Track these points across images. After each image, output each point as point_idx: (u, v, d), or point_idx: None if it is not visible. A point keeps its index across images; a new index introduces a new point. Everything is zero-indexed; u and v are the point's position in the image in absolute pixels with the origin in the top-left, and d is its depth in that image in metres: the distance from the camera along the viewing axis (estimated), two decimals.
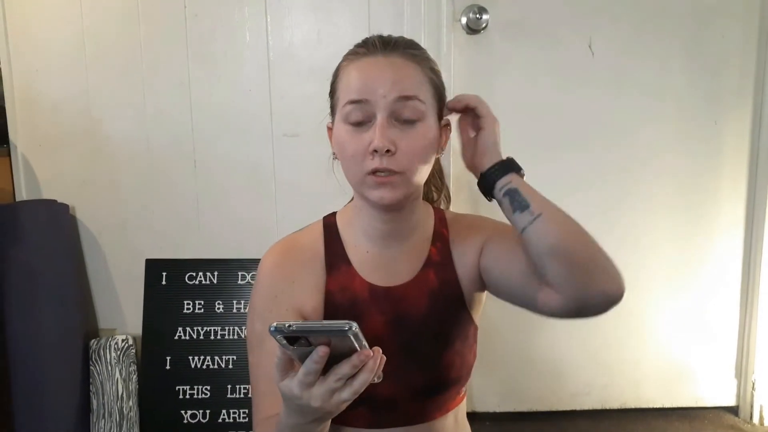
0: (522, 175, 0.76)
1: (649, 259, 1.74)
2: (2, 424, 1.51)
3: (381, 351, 0.59)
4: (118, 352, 1.63)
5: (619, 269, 0.71)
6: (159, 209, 1.68)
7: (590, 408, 1.83)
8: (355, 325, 0.53)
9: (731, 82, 1.70)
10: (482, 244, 0.83)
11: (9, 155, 1.65)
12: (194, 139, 1.65)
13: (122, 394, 1.61)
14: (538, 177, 0.77)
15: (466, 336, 0.85)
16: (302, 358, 0.57)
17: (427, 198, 0.91)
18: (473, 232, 0.85)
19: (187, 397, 1.58)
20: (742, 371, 1.81)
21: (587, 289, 0.70)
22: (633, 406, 1.84)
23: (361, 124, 0.74)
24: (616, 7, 1.65)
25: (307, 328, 0.54)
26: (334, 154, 0.82)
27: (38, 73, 1.62)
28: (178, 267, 1.64)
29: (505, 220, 0.80)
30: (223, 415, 1.58)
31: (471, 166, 0.81)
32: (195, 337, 1.61)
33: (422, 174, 0.77)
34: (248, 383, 1.58)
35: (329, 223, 0.86)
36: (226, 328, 1.61)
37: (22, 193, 1.66)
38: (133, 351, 1.64)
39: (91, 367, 1.62)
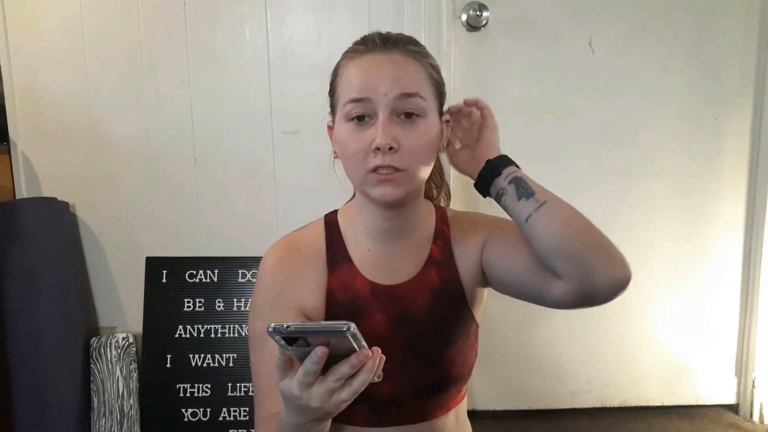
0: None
1: (650, 258, 1.75)
2: (3, 423, 1.51)
3: (380, 351, 0.59)
4: (119, 350, 1.63)
5: (624, 255, 0.71)
6: (159, 207, 1.68)
7: (591, 406, 1.83)
8: (353, 326, 0.53)
9: (731, 82, 1.70)
10: (484, 240, 0.83)
11: (9, 153, 1.65)
12: (194, 136, 1.65)
13: (123, 392, 1.61)
14: (537, 175, 0.77)
15: (468, 334, 0.85)
16: (301, 359, 0.57)
17: (427, 195, 0.92)
18: (475, 229, 0.85)
19: (188, 395, 1.59)
20: (742, 369, 1.82)
21: (595, 274, 0.70)
22: (633, 404, 1.84)
23: (362, 123, 0.74)
24: (616, 5, 1.64)
25: (305, 328, 0.54)
26: (334, 152, 0.82)
27: (38, 70, 1.62)
28: (178, 265, 1.64)
29: (505, 217, 0.81)
30: (224, 413, 1.58)
31: (469, 161, 0.82)
32: (195, 335, 1.61)
33: (425, 171, 0.77)
34: (249, 381, 1.58)
35: (331, 221, 0.86)
36: (227, 326, 1.61)
37: (23, 191, 1.66)
38: (134, 349, 1.65)
39: (92, 365, 1.62)
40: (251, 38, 1.61)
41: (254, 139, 1.65)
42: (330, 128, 0.82)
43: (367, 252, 0.83)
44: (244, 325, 1.62)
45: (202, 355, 1.60)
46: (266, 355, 0.75)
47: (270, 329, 0.54)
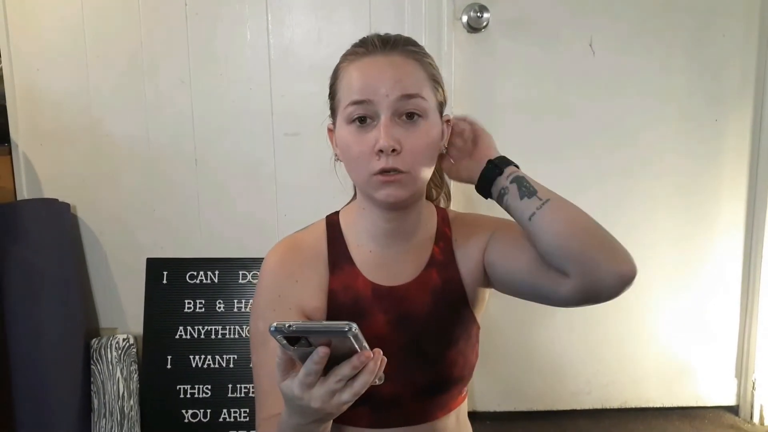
0: None
1: (650, 259, 1.75)
2: (4, 424, 1.51)
3: (382, 353, 0.59)
4: (119, 352, 1.63)
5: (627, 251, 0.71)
6: (160, 208, 1.68)
7: (591, 407, 1.83)
8: (354, 326, 0.53)
9: (731, 82, 1.70)
10: (486, 240, 0.83)
11: (10, 154, 1.65)
12: (195, 137, 1.65)
13: (123, 393, 1.61)
14: (537, 176, 0.77)
15: (469, 335, 0.85)
16: (303, 359, 0.57)
17: (427, 196, 0.92)
18: (476, 230, 0.85)
19: (188, 396, 1.59)
20: (742, 371, 1.82)
21: (600, 270, 0.70)
22: (633, 406, 1.84)
23: (364, 125, 0.74)
24: (616, 5, 1.65)
25: (307, 328, 0.54)
26: (335, 154, 0.82)
27: (39, 71, 1.62)
28: (179, 266, 1.64)
29: (506, 218, 0.81)
30: (224, 414, 1.58)
31: (468, 166, 0.82)
32: (196, 336, 1.61)
33: (427, 171, 0.78)
34: (249, 382, 1.58)
35: (332, 222, 0.86)
36: (227, 327, 1.61)
37: (23, 192, 1.65)
38: (134, 350, 1.65)
39: (92, 367, 1.62)
40: (252, 39, 1.61)
41: (255, 140, 1.65)
42: (330, 131, 0.82)
43: (368, 253, 0.83)
44: (244, 326, 1.62)
45: (203, 356, 1.60)
46: (267, 355, 0.75)
47: (272, 328, 0.54)
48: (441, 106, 0.80)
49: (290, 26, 1.61)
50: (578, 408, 1.83)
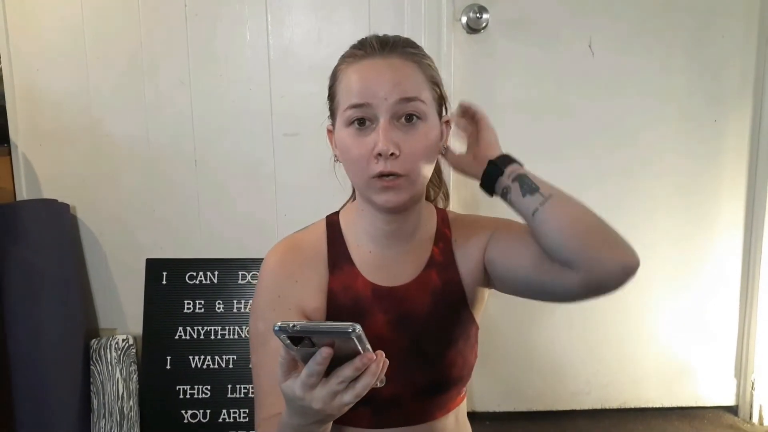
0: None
1: (650, 259, 1.72)
2: (3, 424, 1.51)
3: (384, 355, 0.59)
4: (119, 352, 1.63)
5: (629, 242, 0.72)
6: (160, 208, 1.68)
7: (590, 407, 1.83)
8: (358, 327, 0.53)
9: (731, 82, 1.70)
10: (486, 239, 0.83)
11: (10, 154, 1.65)
12: (195, 138, 1.65)
13: (123, 393, 1.61)
14: (538, 176, 0.77)
15: (468, 336, 0.85)
16: (305, 359, 0.57)
17: (426, 196, 0.92)
18: (476, 230, 0.85)
19: (188, 396, 1.58)
20: (741, 371, 1.82)
21: (604, 261, 0.70)
22: (633, 406, 1.84)
23: (363, 128, 0.74)
24: (616, 5, 1.65)
25: (311, 328, 0.54)
26: (335, 155, 0.82)
27: (39, 72, 1.62)
28: (178, 266, 1.64)
29: (507, 216, 0.81)
30: (224, 414, 1.58)
31: (473, 162, 0.82)
32: (195, 336, 1.61)
33: (426, 174, 0.78)
34: (249, 383, 1.58)
35: (332, 223, 0.86)
36: (227, 327, 1.61)
37: (23, 193, 1.65)
38: (134, 351, 1.64)
39: (92, 367, 1.62)
40: (252, 39, 1.61)
41: (254, 140, 1.65)
42: (330, 132, 0.82)
43: (368, 254, 0.83)
44: (244, 327, 1.62)
45: (202, 357, 1.60)
46: (268, 355, 0.75)
47: (276, 328, 0.54)
48: (440, 107, 0.80)
49: (290, 26, 1.61)
50: (578, 408, 1.83)
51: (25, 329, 1.51)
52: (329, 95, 0.81)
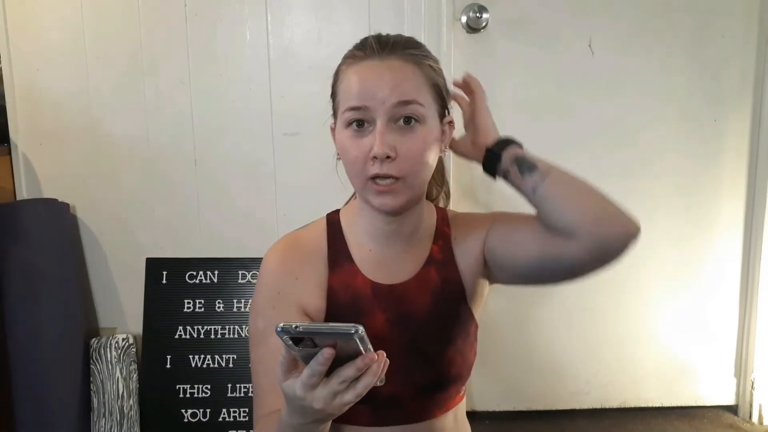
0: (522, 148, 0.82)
1: (650, 258, 1.75)
2: (3, 423, 1.51)
3: (385, 355, 0.59)
4: (119, 351, 1.63)
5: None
6: (160, 208, 1.68)
7: (590, 407, 1.83)
8: (361, 329, 0.53)
9: (731, 82, 1.70)
10: (485, 231, 0.84)
11: (9, 154, 1.65)
12: (195, 137, 1.65)
13: (123, 392, 1.61)
14: None
15: (468, 333, 0.85)
16: (307, 359, 0.57)
17: (427, 195, 0.92)
18: (475, 225, 0.86)
19: (188, 395, 1.59)
20: (741, 370, 1.82)
21: (607, 228, 0.72)
22: (633, 405, 1.84)
23: (361, 129, 0.75)
24: (616, 5, 1.65)
25: (314, 329, 0.54)
26: (337, 153, 0.82)
27: (39, 71, 1.62)
28: (178, 266, 1.64)
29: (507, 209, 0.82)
30: (224, 414, 1.58)
31: (472, 148, 0.84)
32: (195, 336, 1.61)
33: (424, 177, 0.78)
34: (248, 382, 1.58)
35: (333, 221, 0.87)
36: (227, 327, 1.62)
37: (23, 192, 1.66)
38: (134, 350, 1.65)
39: (92, 366, 1.62)
40: (251, 39, 1.61)
41: (254, 140, 1.65)
42: (333, 130, 0.82)
43: (368, 252, 0.83)
44: (244, 326, 1.62)
45: (202, 356, 1.60)
46: (267, 353, 0.76)
47: (278, 329, 0.54)
48: (442, 109, 0.80)
49: (290, 26, 1.61)
50: (578, 408, 1.83)
51: (25, 328, 1.51)
52: (331, 94, 0.81)
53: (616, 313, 1.78)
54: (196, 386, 1.59)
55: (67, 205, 1.64)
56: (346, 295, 0.82)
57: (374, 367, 0.57)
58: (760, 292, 1.74)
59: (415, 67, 0.76)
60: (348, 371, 0.57)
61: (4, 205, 1.55)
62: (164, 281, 1.63)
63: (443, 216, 0.89)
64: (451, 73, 1.62)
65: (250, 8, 1.60)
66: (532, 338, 1.80)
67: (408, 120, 0.74)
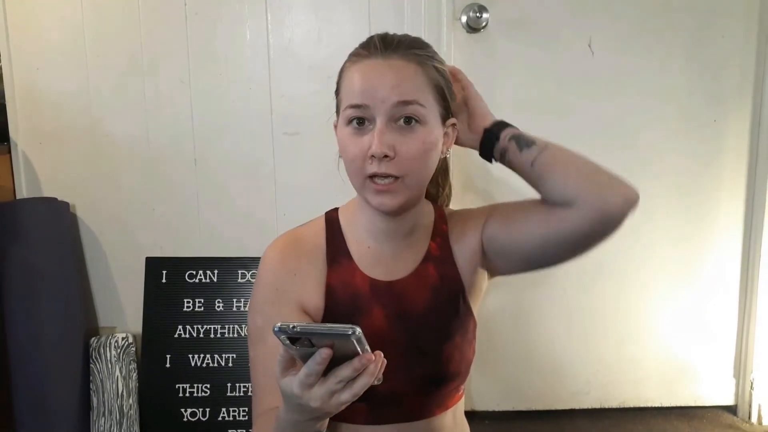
0: None
1: (649, 258, 1.75)
2: (3, 422, 1.52)
3: (382, 355, 0.59)
4: (118, 350, 1.63)
5: None
6: (159, 207, 1.68)
7: (589, 407, 1.84)
8: (358, 330, 0.54)
9: (731, 82, 1.70)
10: (482, 222, 0.85)
11: (9, 153, 1.65)
12: (195, 137, 1.65)
13: (122, 391, 1.61)
14: None
15: (466, 330, 0.85)
16: (304, 358, 0.57)
17: (429, 195, 0.92)
18: (471, 219, 0.87)
19: (187, 395, 1.59)
20: (740, 371, 1.82)
21: (606, 194, 0.74)
22: (632, 405, 1.84)
23: (362, 127, 0.75)
24: (616, 6, 1.65)
25: (311, 330, 0.55)
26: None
27: (39, 70, 1.62)
28: (178, 265, 1.64)
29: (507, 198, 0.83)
30: (223, 413, 1.58)
31: (468, 133, 0.86)
32: (195, 335, 1.61)
33: (423, 177, 0.78)
34: (248, 382, 1.58)
35: (331, 219, 0.87)
36: (226, 326, 1.62)
37: (23, 191, 1.66)
38: (133, 349, 1.65)
39: (92, 365, 1.62)
40: (251, 39, 1.61)
41: (254, 140, 1.65)
42: (336, 126, 0.82)
43: (367, 249, 0.84)
44: (243, 326, 1.62)
45: (202, 355, 1.60)
46: (265, 350, 0.76)
47: (276, 329, 0.54)
48: (445, 110, 0.80)
49: (290, 26, 1.61)
50: (577, 408, 1.83)
51: (25, 327, 1.51)
52: (335, 90, 0.81)
53: (615, 313, 1.79)
54: (195, 385, 1.59)
55: (67, 204, 1.64)
56: (345, 291, 0.82)
57: (371, 367, 0.57)
58: (760, 293, 1.74)
59: (418, 68, 0.75)
60: (345, 371, 0.57)
61: (3, 204, 1.56)
62: (164, 280, 1.63)
63: (441, 214, 0.89)
64: None
65: (250, 8, 1.60)
66: (531, 338, 1.80)
67: (408, 120, 0.74)
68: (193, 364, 1.60)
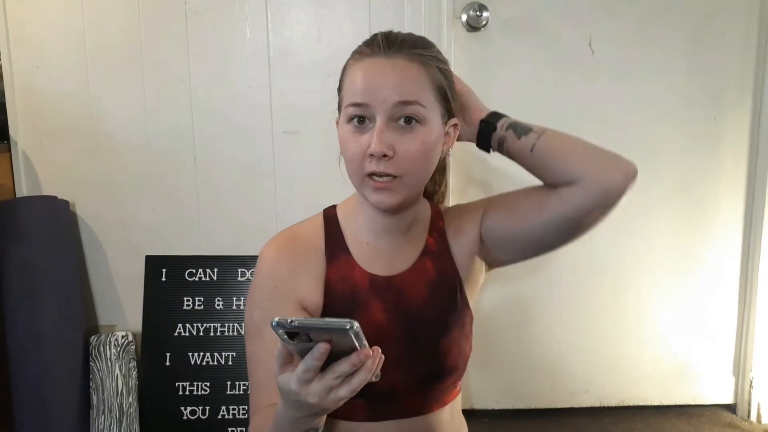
0: None
1: (649, 257, 1.75)
2: (3, 421, 1.52)
3: (380, 351, 0.59)
4: (118, 349, 1.63)
5: None
6: (159, 206, 1.68)
7: (589, 405, 1.84)
8: (356, 325, 0.54)
9: (731, 80, 1.70)
10: (480, 214, 0.86)
11: (9, 151, 1.65)
12: (194, 136, 1.65)
13: (122, 390, 1.61)
14: None
15: (463, 324, 0.86)
16: (302, 354, 0.57)
17: (426, 192, 0.92)
18: (468, 212, 0.88)
19: (187, 393, 1.59)
20: (740, 369, 1.82)
21: (607, 169, 0.77)
22: (631, 404, 1.84)
23: (362, 125, 0.75)
24: (616, 4, 1.65)
25: (309, 324, 0.55)
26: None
27: (39, 69, 1.62)
28: (178, 264, 1.64)
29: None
30: (223, 411, 1.59)
31: (464, 126, 0.87)
32: (195, 333, 1.61)
33: (423, 176, 0.79)
34: (247, 380, 1.58)
35: (329, 215, 0.87)
36: (226, 324, 1.62)
37: (23, 190, 1.66)
38: (133, 347, 1.65)
39: (91, 363, 1.62)
40: (251, 38, 1.61)
41: (254, 139, 1.65)
42: (338, 123, 0.83)
43: (365, 245, 0.84)
44: (243, 324, 1.62)
45: (202, 354, 1.60)
46: (263, 346, 0.76)
47: (274, 323, 0.54)
48: (446, 111, 0.80)
49: (290, 25, 1.61)
50: (576, 406, 1.83)
51: (25, 325, 1.51)
52: (338, 87, 0.82)
53: (615, 312, 1.79)
54: (195, 383, 1.59)
55: (67, 202, 1.65)
56: (344, 287, 0.82)
57: (369, 363, 0.58)
58: (759, 291, 1.74)
59: (420, 67, 0.76)
60: (343, 367, 0.57)
61: (3, 202, 1.56)
62: (164, 279, 1.63)
63: (437, 210, 0.90)
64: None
65: (250, 6, 1.60)
66: (531, 337, 1.80)
67: (408, 120, 0.74)
68: (192, 363, 1.60)
